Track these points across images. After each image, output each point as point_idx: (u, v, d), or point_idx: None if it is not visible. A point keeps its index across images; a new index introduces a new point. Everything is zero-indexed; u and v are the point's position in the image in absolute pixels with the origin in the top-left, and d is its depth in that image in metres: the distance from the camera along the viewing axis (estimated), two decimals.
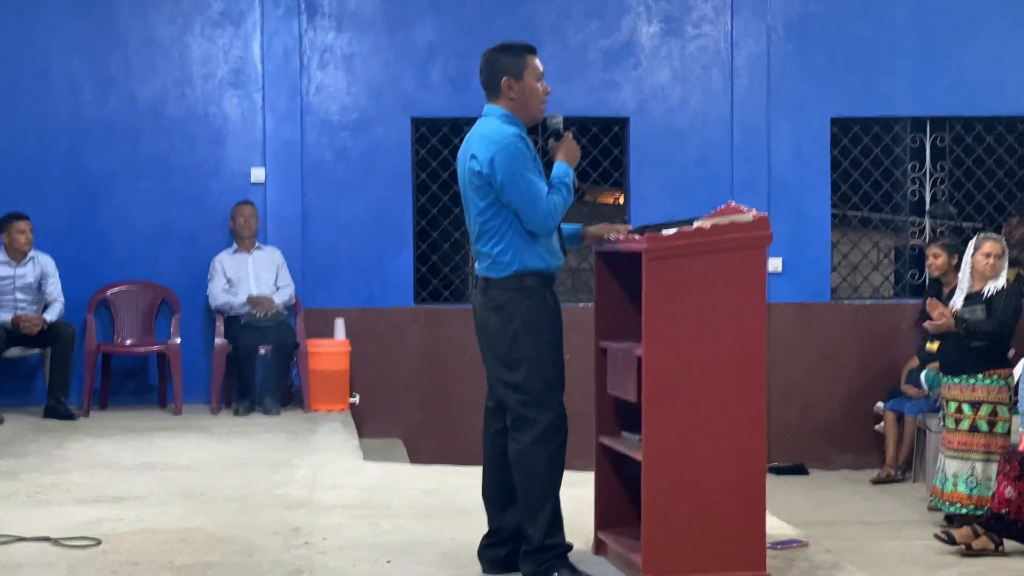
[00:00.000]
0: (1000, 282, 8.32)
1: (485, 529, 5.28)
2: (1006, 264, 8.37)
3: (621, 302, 5.41)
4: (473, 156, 4.97)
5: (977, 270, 8.35)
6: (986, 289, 8.34)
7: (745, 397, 4.88)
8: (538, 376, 4.96)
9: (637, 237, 4.96)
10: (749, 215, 4.93)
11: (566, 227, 5.29)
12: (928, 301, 8.52)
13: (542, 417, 4.95)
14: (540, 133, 9.70)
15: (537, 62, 5.08)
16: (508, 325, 4.97)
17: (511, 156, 4.90)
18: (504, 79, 5.02)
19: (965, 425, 8.28)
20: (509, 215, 4.95)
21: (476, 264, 5.14)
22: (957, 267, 8.76)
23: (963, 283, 8.43)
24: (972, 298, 8.35)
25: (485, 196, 4.97)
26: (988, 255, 8.31)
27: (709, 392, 4.86)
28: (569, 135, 5.14)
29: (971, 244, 8.48)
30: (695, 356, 4.85)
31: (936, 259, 9.36)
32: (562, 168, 5.05)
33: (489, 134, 4.97)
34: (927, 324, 8.45)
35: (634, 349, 5.01)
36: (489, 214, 4.98)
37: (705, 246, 4.84)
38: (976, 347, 8.27)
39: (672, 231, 4.90)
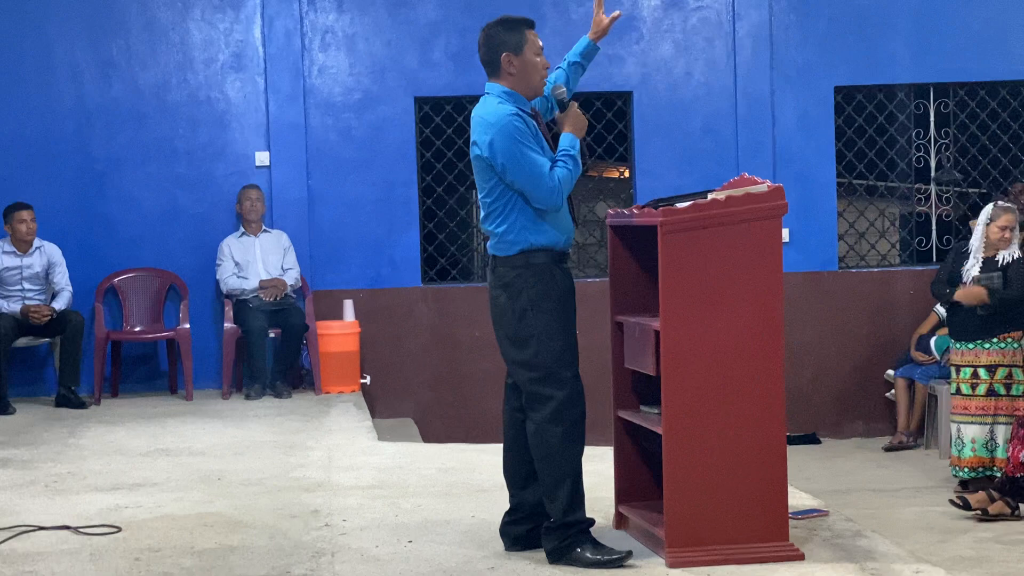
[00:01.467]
0: (1014, 250, 8.34)
1: (505, 506, 5.29)
2: (1018, 234, 8.37)
3: (635, 276, 5.41)
4: (474, 142, 5.00)
5: (991, 240, 8.34)
6: (1000, 257, 8.33)
7: (763, 367, 4.88)
8: (548, 352, 4.95)
9: (652, 210, 4.95)
10: (763, 186, 4.92)
11: (577, 50, 5.42)
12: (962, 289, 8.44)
13: (555, 394, 4.95)
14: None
15: (535, 36, 5.06)
16: (515, 302, 4.98)
17: (509, 136, 4.90)
18: (504, 55, 5.01)
19: (982, 390, 8.27)
20: (513, 195, 4.96)
21: (488, 242, 5.15)
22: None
23: (977, 252, 8.41)
24: (987, 265, 8.35)
25: (489, 178, 4.99)
26: (1004, 228, 8.31)
27: (727, 363, 4.86)
28: (574, 105, 5.12)
29: (984, 213, 8.47)
30: (712, 328, 4.85)
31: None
32: (568, 139, 5.03)
33: (486, 116, 4.98)
34: (958, 295, 8.37)
35: (651, 322, 5.01)
36: (495, 195, 4.99)
37: (720, 218, 4.84)
38: (986, 313, 8.28)
39: (687, 204, 4.89)
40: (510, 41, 5.01)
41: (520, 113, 4.97)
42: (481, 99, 5.09)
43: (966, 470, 8.31)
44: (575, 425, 5.00)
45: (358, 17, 10.49)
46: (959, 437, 8.33)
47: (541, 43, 5.08)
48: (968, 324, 8.36)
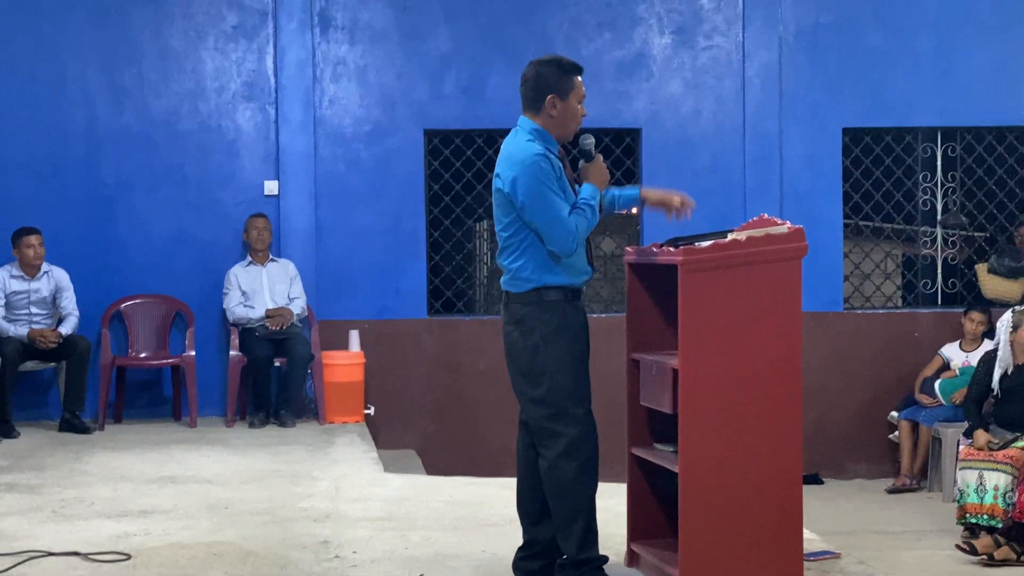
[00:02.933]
0: None
1: (515, 541, 5.29)
2: None
3: (651, 313, 5.41)
4: (498, 175, 5.01)
5: (1019, 345, 8.29)
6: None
7: (781, 407, 4.89)
8: (560, 389, 4.95)
9: (672, 249, 4.96)
10: (784, 227, 4.95)
11: (624, 191, 5.34)
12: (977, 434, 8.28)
13: (567, 431, 4.94)
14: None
15: (581, 84, 5.07)
16: (528, 339, 4.98)
17: (533, 176, 4.90)
18: (550, 96, 4.99)
19: (1021, 443, 8.08)
20: (530, 233, 4.97)
21: (501, 278, 5.17)
22: None
23: (1003, 360, 8.34)
24: (1019, 372, 8.23)
25: (507, 213, 5.01)
26: None
27: (745, 403, 4.86)
28: (599, 157, 5.14)
29: (1004, 322, 8.38)
30: (731, 367, 4.86)
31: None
32: (589, 190, 5.05)
33: (514, 153, 4.98)
34: (976, 445, 8.18)
35: (669, 360, 5.02)
36: (512, 230, 5.01)
37: (741, 258, 4.85)
38: None
39: (707, 243, 4.91)
40: (560, 84, 5.01)
41: (548, 154, 4.96)
42: (512, 132, 5.09)
43: (985, 517, 7.91)
44: (588, 462, 4.99)
45: (369, 49, 10.54)
46: (982, 484, 8.00)
47: (585, 92, 5.09)
48: (1017, 419, 8.20)
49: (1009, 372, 8.33)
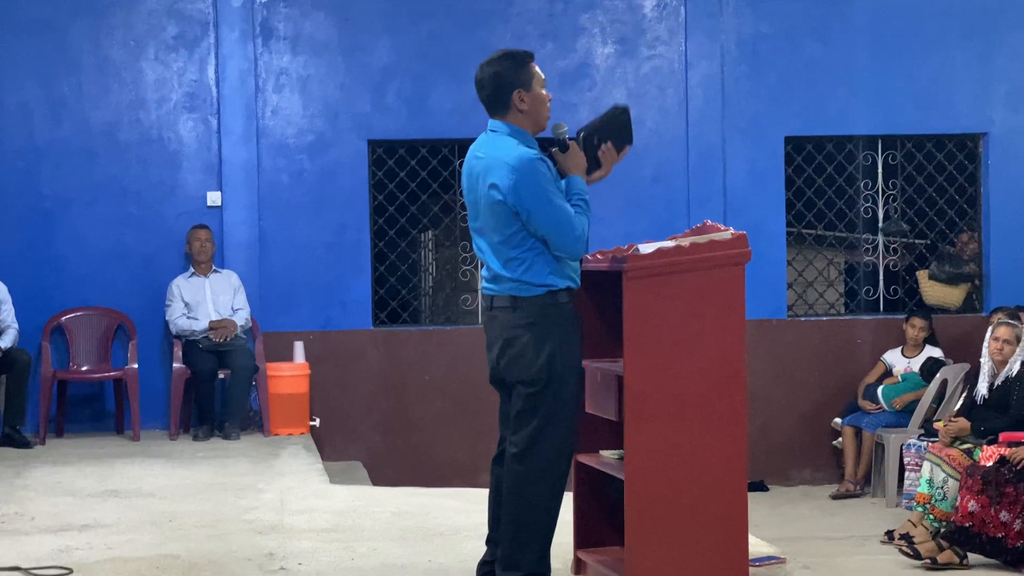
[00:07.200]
0: (1014, 367, 8.20)
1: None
2: (1019, 349, 8.19)
3: (596, 321, 5.40)
4: (493, 185, 4.75)
5: (992, 356, 8.31)
6: (1001, 377, 8.26)
7: (726, 413, 4.91)
8: (560, 396, 4.79)
9: (616, 256, 4.97)
10: (727, 233, 4.97)
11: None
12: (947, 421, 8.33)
13: (554, 440, 4.79)
14: None
15: (538, 69, 4.92)
16: (543, 343, 4.77)
17: (535, 183, 4.70)
18: (515, 91, 4.82)
19: (978, 452, 8.07)
20: (536, 242, 4.77)
21: (493, 284, 4.89)
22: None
23: (984, 368, 8.34)
24: (995, 394, 8.25)
25: (509, 224, 4.77)
26: (998, 339, 8.26)
27: (690, 409, 4.88)
28: (574, 144, 4.96)
29: (991, 328, 8.43)
30: (676, 374, 4.87)
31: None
32: (579, 183, 4.88)
33: (507, 159, 4.74)
34: (943, 430, 8.25)
35: (614, 368, 5.02)
36: (515, 242, 4.78)
37: (685, 264, 4.87)
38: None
39: (652, 250, 4.91)
40: (520, 76, 4.83)
41: (543, 157, 4.79)
42: (489, 138, 4.88)
43: (943, 521, 7.85)
44: (562, 477, 4.86)
45: (312, 60, 10.50)
46: (942, 488, 7.95)
47: (544, 75, 4.94)
48: (989, 429, 8.11)
49: (995, 385, 8.32)
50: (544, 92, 4.92)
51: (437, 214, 11.48)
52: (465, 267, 10.84)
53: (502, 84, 4.83)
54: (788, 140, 10.92)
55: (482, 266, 5.04)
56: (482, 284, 5.00)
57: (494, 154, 4.81)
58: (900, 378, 10.34)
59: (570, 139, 5.00)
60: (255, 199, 10.36)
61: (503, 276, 4.83)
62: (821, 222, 11.18)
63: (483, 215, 4.85)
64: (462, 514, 6.71)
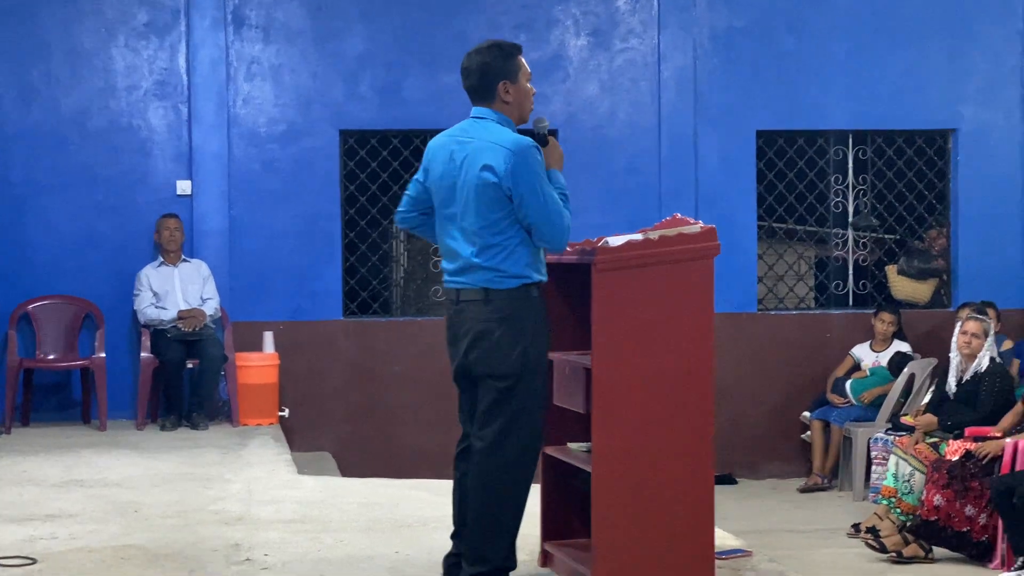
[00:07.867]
0: (982, 362, 8.28)
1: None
2: (987, 343, 8.29)
3: (564, 313, 5.39)
4: (487, 167, 4.68)
5: (960, 350, 8.37)
6: (971, 372, 8.32)
7: (694, 406, 4.90)
8: (529, 392, 4.78)
9: (585, 248, 4.96)
10: (696, 226, 4.96)
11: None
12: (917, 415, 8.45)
13: (523, 434, 4.77)
14: None
15: (524, 62, 4.91)
16: (518, 337, 4.74)
17: (530, 169, 4.67)
18: (501, 83, 4.82)
19: (944, 446, 8.13)
20: (520, 230, 4.74)
21: (460, 277, 4.83)
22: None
23: (953, 363, 8.41)
24: (963, 389, 8.31)
25: (498, 208, 4.72)
26: (965, 332, 8.32)
27: (658, 402, 4.87)
28: (553, 139, 4.96)
29: (959, 321, 8.49)
30: (644, 366, 4.86)
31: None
32: (560, 177, 4.87)
33: (504, 143, 4.69)
34: (914, 423, 8.34)
35: (582, 360, 5.02)
36: (500, 227, 4.73)
37: (654, 257, 4.86)
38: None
39: (621, 243, 4.90)
40: (507, 68, 4.83)
41: (536, 146, 4.75)
42: (475, 124, 4.83)
43: (912, 516, 7.94)
44: (531, 468, 4.86)
45: (284, 48, 10.46)
46: (908, 482, 8.08)
47: (529, 69, 4.94)
48: (956, 424, 8.21)
49: (964, 380, 8.36)
50: (529, 86, 4.92)
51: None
52: (436, 258, 10.81)
53: (489, 74, 4.83)
54: (760, 134, 10.94)
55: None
56: (445, 278, 4.94)
57: (487, 137, 4.77)
58: (868, 372, 10.38)
59: (549, 133, 5.01)
60: (225, 188, 10.32)
61: (476, 265, 4.76)
62: (792, 216, 11.21)
63: (463, 200, 4.78)
64: (430, 506, 6.70)
